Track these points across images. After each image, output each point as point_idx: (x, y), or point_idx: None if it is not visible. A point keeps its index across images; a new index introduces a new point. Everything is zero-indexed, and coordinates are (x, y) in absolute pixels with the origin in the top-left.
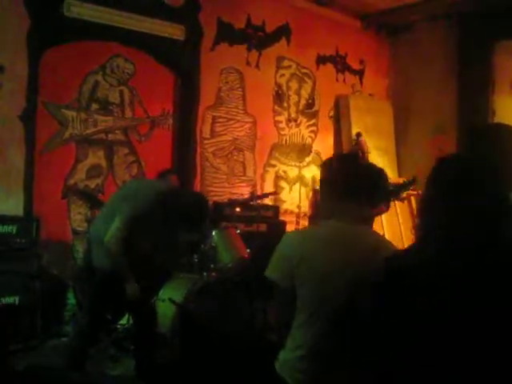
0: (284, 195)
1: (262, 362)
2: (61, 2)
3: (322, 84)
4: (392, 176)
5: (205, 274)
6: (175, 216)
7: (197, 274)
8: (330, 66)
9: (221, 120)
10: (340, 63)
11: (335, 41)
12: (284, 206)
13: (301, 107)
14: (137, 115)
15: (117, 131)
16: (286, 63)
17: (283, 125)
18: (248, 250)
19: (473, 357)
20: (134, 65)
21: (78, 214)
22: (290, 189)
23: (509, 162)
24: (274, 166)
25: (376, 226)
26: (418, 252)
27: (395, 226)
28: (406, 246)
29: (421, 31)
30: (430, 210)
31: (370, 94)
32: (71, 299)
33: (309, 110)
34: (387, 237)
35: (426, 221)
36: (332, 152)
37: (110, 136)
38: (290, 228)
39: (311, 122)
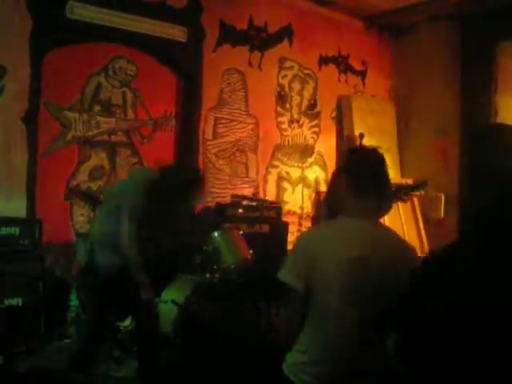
0: (287, 196)
1: (266, 363)
2: (63, 3)
3: (325, 85)
4: (395, 177)
5: (207, 275)
6: (171, 193)
7: (199, 275)
8: (332, 67)
9: (223, 121)
10: (342, 64)
11: (337, 41)
12: (287, 207)
13: (303, 108)
14: (139, 117)
15: (119, 133)
16: (288, 64)
17: (285, 126)
18: (251, 251)
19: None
20: (136, 66)
21: (80, 216)
22: (293, 190)
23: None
24: (276, 166)
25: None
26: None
27: (398, 227)
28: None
29: (423, 32)
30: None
31: (373, 95)
32: (74, 301)
33: (311, 110)
34: None
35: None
36: (334, 153)
37: (113, 137)
38: (292, 229)
39: (313, 123)
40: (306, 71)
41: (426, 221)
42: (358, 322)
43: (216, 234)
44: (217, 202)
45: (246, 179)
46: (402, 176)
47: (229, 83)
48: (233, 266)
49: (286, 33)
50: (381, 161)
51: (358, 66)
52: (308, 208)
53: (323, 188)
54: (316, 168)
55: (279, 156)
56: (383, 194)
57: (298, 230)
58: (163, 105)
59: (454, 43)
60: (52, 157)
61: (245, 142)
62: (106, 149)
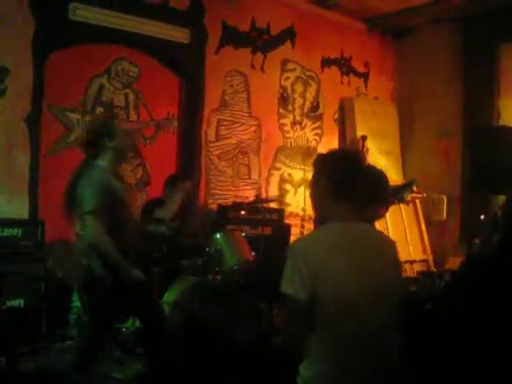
0: (289, 198)
1: (267, 364)
2: (66, 5)
3: (327, 87)
4: (397, 179)
5: (210, 276)
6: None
7: (202, 277)
8: (334, 69)
9: (226, 123)
10: (345, 66)
11: (340, 43)
12: (289, 209)
13: (305, 110)
14: (142, 118)
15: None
16: (290, 66)
17: (288, 128)
18: (253, 253)
19: None
20: (138, 68)
21: None
22: (295, 192)
23: None
24: (278, 168)
25: (381, 230)
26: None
27: (400, 229)
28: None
29: (425, 34)
30: None
31: (375, 97)
32: (76, 302)
33: (313, 112)
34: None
35: None
36: None
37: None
38: (294, 231)
39: (316, 125)
40: (309, 73)
41: (428, 223)
42: (370, 326)
43: (218, 235)
44: (219, 204)
45: (248, 181)
46: (405, 178)
47: (231, 85)
48: (235, 268)
49: (288, 35)
50: (357, 162)
51: (360, 68)
52: (310, 210)
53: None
54: None
55: (281, 158)
56: (363, 195)
57: (301, 232)
58: (166, 106)
59: (456, 45)
60: (54, 158)
61: (247, 143)
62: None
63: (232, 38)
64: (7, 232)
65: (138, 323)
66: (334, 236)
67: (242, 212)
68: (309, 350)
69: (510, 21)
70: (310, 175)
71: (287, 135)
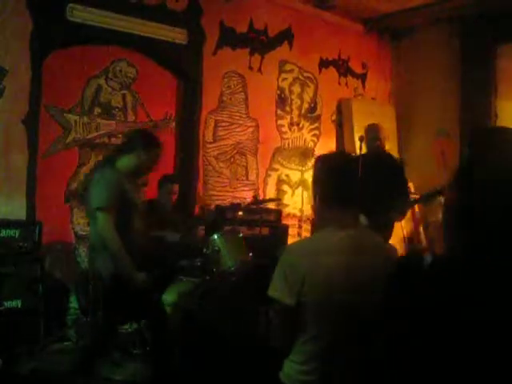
0: (286, 199)
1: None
2: (64, 6)
3: (325, 88)
4: None
5: (207, 277)
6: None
7: (199, 278)
8: (332, 70)
9: (223, 124)
10: (342, 67)
11: (337, 45)
12: (286, 210)
13: (303, 111)
14: (139, 119)
15: (119, 135)
16: (288, 67)
17: (286, 129)
18: (251, 254)
19: None
20: (136, 69)
21: (80, 218)
22: (293, 193)
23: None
24: (276, 169)
25: None
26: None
27: (397, 229)
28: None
29: (423, 35)
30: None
31: (373, 98)
32: (74, 303)
33: (311, 113)
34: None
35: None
36: None
37: (113, 140)
38: (292, 232)
39: (314, 126)
40: (307, 74)
41: (425, 223)
42: (357, 330)
43: (216, 236)
44: (217, 205)
45: (245, 182)
46: None
47: (229, 86)
48: (232, 269)
49: (286, 36)
50: (355, 165)
51: (358, 69)
52: (308, 211)
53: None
54: None
55: (279, 159)
56: (355, 200)
57: (298, 234)
58: (163, 107)
59: (453, 46)
60: (52, 159)
61: (245, 144)
62: (106, 151)
63: (230, 39)
64: (4, 233)
65: (135, 325)
66: (324, 243)
67: (240, 213)
68: (295, 348)
69: (507, 22)
70: (307, 176)
71: (285, 136)
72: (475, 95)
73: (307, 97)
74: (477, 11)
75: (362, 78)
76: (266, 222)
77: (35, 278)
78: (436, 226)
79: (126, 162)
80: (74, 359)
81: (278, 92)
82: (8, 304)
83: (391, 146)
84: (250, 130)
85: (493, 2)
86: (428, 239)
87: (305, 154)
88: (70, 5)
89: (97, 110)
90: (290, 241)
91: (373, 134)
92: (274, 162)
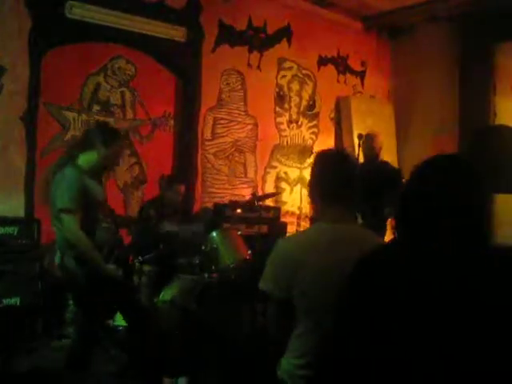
0: (285, 197)
1: (263, 362)
2: (62, 3)
3: (323, 85)
4: None
5: (206, 275)
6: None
7: (198, 275)
8: (331, 68)
9: (222, 121)
10: (341, 64)
11: (336, 42)
12: (285, 208)
13: (302, 109)
14: (138, 117)
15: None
16: (287, 64)
17: (284, 126)
18: (249, 251)
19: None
20: (135, 66)
21: None
22: (291, 190)
23: (510, 161)
24: (275, 167)
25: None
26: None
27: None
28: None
29: (422, 33)
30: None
31: (372, 96)
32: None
33: (310, 111)
34: (387, 238)
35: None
36: None
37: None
38: (291, 229)
39: (312, 124)
40: (305, 72)
41: None
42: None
43: (214, 234)
44: (215, 203)
45: (244, 179)
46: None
47: (228, 83)
48: (231, 266)
49: (285, 33)
50: (351, 163)
51: (356, 67)
52: (306, 208)
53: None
54: None
55: (278, 156)
56: (355, 198)
57: (297, 231)
58: (162, 105)
59: (452, 44)
60: (51, 156)
61: (243, 142)
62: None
63: (228, 36)
64: (3, 230)
65: None
66: (315, 236)
67: (238, 210)
68: (291, 342)
69: (506, 20)
70: (306, 174)
71: (283, 134)
72: (474, 93)
73: (306, 94)
74: (476, 9)
75: (361, 75)
76: (264, 219)
77: (34, 276)
78: None
79: (86, 159)
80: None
81: (277, 89)
82: (7, 301)
83: (389, 144)
84: (249, 127)
85: (491, 0)
86: None
87: (303, 151)
88: (69, 2)
89: (95, 108)
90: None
91: (368, 145)
92: (272, 159)
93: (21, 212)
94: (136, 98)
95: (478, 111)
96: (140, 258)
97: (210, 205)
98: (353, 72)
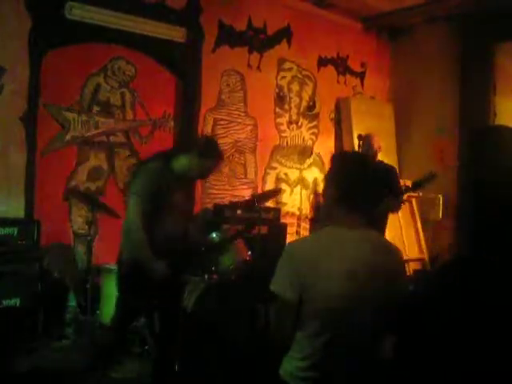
0: (285, 197)
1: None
2: (62, 4)
3: (323, 86)
4: None
5: (206, 276)
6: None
7: (198, 276)
8: (331, 68)
9: (222, 122)
10: (341, 65)
11: (336, 43)
12: (285, 209)
13: (302, 109)
14: (138, 117)
15: (118, 133)
16: (287, 65)
17: (284, 127)
18: (249, 253)
19: None
20: (135, 67)
21: (79, 217)
22: (291, 191)
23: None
24: (275, 168)
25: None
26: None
27: (396, 229)
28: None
29: (422, 33)
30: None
31: (372, 96)
32: (72, 301)
33: (310, 112)
34: (388, 238)
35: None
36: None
37: (112, 138)
38: (291, 230)
39: (312, 124)
40: (305, 72)
41: (424, 222)
42: (357, 327)
43: (215, 234)
44: (215, 203)
45: (244, 180)
46: (401, 177)
47: (228, 84)
48: (231, 267)
49: (284, 34)
50: (370, 167)
51: (356, 68)
52: (306, 209)
53: (322, 189)
54: (314, 169)
55: (278, 157)
56: (372, 204)
57: (297, 232)
58: (162, 105)
59: (452, 44)
60: (51, 157)
61: (243, 143)
62: (104, 149)
63: (228, 37)
64: (3, 231)
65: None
66: (328, 240)
67: (238, 211)
68: (295, 344)
69: (506, 20)
70: (306, 175)
71: (283, 134)
72: (474, 94)
73: (306, 95)
74: (475, 9)
75: (361, 76)
76: (264, 220)
77: (34, 277)
78: (436, 226)
79: (178, 161)
80: (89, 356)
81: (277, 90)
82: (7, 302)
83: (389, 145)
84: (249, 128)
85: (491, 0)
86: (427, 237)
87: (303, 152)
88: (69, 3)
89: (95, 108)
90: (289, 239)
91: (367, 145)
92: (272, 160)
93: (21, 213)
94: (136, 98)
95: (478, 111)
96: None
97: (210, 206)
98: (353, 73)
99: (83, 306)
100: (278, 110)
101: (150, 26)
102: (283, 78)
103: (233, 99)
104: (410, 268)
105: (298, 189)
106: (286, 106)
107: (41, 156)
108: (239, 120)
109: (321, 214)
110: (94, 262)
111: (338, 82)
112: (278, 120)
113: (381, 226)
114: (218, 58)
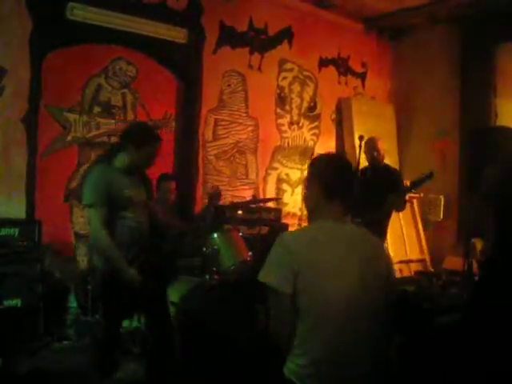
0: (286, 198)
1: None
2: (64, 5)
3: (324, 87)
4: None
5: (207, 276)
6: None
7: (199, 277)
8: (332, 69)
9: (223, 123)
10: (342, 66)
11: (337, 44)
12: (286, 209)
13: (303, 110)
14: (139, 118)
15: (119, 134)
16: (288, 66)
17: (285, 127)
18: (250, 253)
19: None
20: (136, 68)
21: (80, 218)
22: (292, 191)
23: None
24: (276, 168)
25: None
26: None
27: (397, 229)
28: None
29: (423, 34)
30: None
31: (372, 97)
32: (73, 302)
33: (311, 112)
34: (389, 239)
35: None
36: None
37: (113, 139)
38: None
39: (313, 125)
40: (306, 73)
41: (425, 223)
42: (355, 320)
43: (215, 235)
44: (215, 204)
45: (245, 181)
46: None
47: (229, 85)
48: (232, 268)
49: (286, 35)
50: (350, 166)
51: (357, 68)
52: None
53: (303, 193)
54: None
55: (279, 158)
56: (351, 197)
57: (299, 225)
58: (163, 106)
59: (453, 45)
60: (52, 158)
61: (245, 143)
62: (105, 150)
63: (230, 37)
64: (4, 232)
65: (134, 323)
66: (320, 233)
67: (239, 212)
68: (296, 341)
69: (506, 21)
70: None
71: (284, 135)
72: (475, 94)
73: (307, 96)
74: (476, 10)
75: (362, 77)
76: (265, 220)
77: (35, 277)
78: (437, 226)
79: (120, 159)
80: (88, 359)
81: (278, 91)
82: (8, 303)
83: (390, 146)
84: (250, 128)
85: (492, 1)
86: (428, 238)
87: (304, 152)
88: (70, 4)
89: (96, 109)
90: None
91: (371, 148)
92: (273, 160)
93: (22, 213)
94: (137, 99)
95: (479, 112)
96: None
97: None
98: (354, 73)
99: (84, 307)
100: (279, 110)
101: (151, 26)
102: (284, 78)
103: (234, 100)
104: (411, 269)
105: (299, 189)
106: (287, 107)
107: (42, 157)
108: (240, 121)
109: (308, 216)
110: None
111: (338, 82)
112: (279, 121)
113: (384, 225)
114: (219, 58)
